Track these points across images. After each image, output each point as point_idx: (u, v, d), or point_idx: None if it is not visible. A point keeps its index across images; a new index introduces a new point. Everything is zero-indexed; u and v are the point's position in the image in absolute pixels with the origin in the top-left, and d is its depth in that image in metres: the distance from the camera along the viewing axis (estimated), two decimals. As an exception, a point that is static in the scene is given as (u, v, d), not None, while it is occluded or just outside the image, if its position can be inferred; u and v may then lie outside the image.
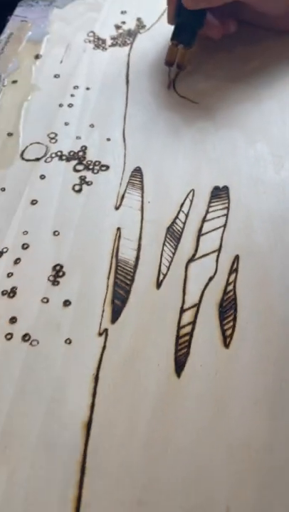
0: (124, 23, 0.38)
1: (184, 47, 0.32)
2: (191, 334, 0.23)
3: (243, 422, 0.21)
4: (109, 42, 0.37)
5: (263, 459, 0.20)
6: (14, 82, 0.34)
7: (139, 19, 0.38)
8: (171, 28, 0.33)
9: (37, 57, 0.36)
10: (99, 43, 0.37)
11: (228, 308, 0.24)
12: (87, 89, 0.34)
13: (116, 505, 0.19)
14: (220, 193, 0.28)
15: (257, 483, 0.19)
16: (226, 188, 0.28)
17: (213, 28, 0.33)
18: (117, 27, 0.38)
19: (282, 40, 0.36)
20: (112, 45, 0.36)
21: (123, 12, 0.39)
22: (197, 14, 0.31)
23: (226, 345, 0.23)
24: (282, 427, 0.21)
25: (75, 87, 0.34)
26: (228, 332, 0.23)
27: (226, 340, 0.23)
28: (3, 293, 0.24)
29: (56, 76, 0.34)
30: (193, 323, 0.24)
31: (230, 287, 0.25)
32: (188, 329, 0.23)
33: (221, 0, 0.30)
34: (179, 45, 0.32)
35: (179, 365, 0.22)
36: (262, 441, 0.20)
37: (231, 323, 0.24)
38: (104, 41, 0.37)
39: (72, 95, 0.33)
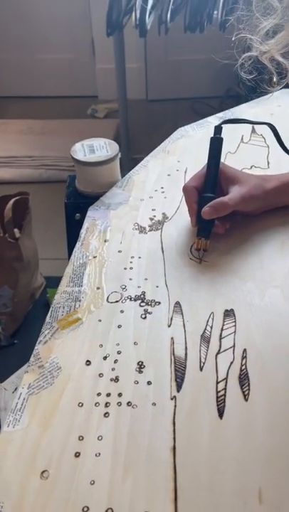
0: (154, 216, 0.62)
1: (205, 239, 0.54)
2: (224, 394, 0.40)
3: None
4: (148, 228, 0.60)
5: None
6: (94, 257, 0.56)
7: (164, 213, 0.62)
8: (186, 217, 0.56)
9: (105, 241, 0.58)
10: (141, 229, 0.60)
11: (243, 379, 0.41)
12: (139, 257, 0.55)
13: None
14: (229, 313, 0.47)
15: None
16: (232, 311, 0.48)
17: (218, 227, 0.56)
18: (151, 219, 0.62)
19: (253, 220, 0.59)
20: (150, 230, 0.59)
21: (153, 209, 0.63)
22: (210, 220, 0.54)
23: (246, 400, 0.39)
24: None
25: (132, 257, 0.55)
26: (246, 392, 0.40)
27: (245, 397, 0.40)
28: (111, 379, 0.41)
29: (119, 251, 0.56)
30: (225, 389, 0.40)
31: (244, 367, 0.42)
32: (222, 392, 0.40)
33: (224, 212, 0.54)
34: (201, 239, 0.54)
35: (220, 412, 0.38)
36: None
37: (247, 387, 0.40)
38: (144, 228, 0.60)
39: (130, 262, 0.55)
